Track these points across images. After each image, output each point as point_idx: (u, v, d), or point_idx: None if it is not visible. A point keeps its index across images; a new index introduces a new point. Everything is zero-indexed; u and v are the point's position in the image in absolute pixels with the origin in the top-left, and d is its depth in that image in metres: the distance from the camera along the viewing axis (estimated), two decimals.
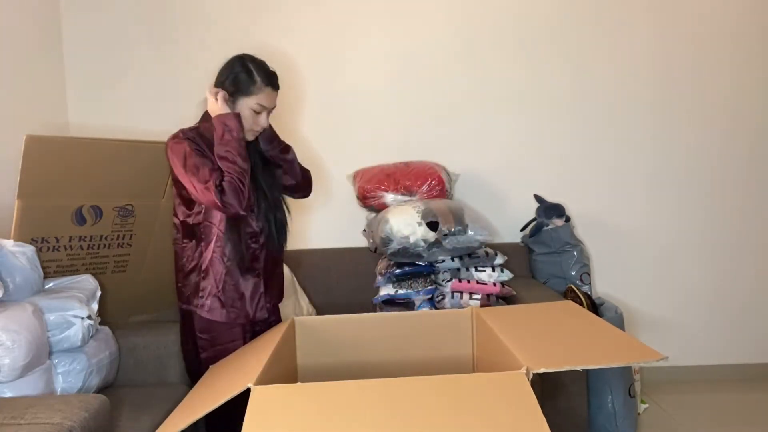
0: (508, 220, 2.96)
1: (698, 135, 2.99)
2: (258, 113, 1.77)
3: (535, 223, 2.83)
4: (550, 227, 2.77)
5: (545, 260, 2.79)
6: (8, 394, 1.55)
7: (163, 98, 2.90)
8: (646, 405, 2.70)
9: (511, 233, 2.96)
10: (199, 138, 1.75)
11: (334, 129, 2.93)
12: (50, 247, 1.85)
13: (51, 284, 1.85)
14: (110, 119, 2.88)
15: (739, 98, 2.98)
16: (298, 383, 1.10)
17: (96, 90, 2.88)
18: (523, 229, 2.94)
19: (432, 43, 2.92)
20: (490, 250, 2.57)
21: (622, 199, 3.00)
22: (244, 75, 1.75)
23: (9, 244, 1.72)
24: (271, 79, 1.78)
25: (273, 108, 1.81)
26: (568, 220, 2.81)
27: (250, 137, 1.81)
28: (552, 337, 1.38)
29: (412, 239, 2.36)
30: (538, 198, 2.88)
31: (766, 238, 3.02)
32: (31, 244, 1.78)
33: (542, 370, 1.11)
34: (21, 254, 1.73)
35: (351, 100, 2.92)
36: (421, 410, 1.01)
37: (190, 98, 2.89)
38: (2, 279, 1.67)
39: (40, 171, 1.73)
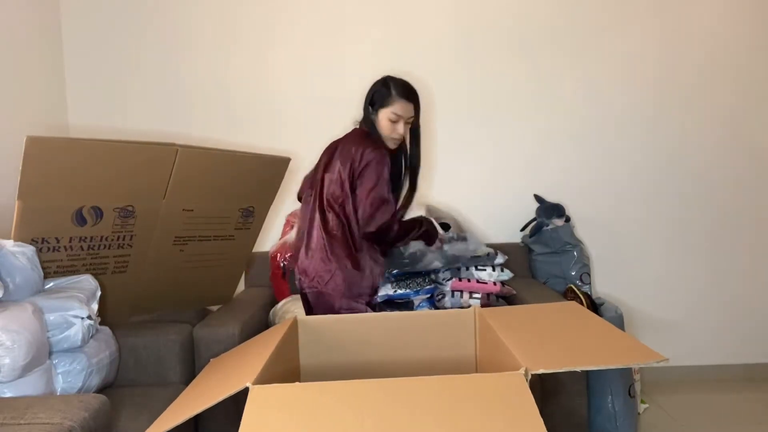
0: (508, 220, 2.96)
1: (700, 136, 2.99)
2: (394, 122, 2.00)
3: (535, 223, 2.83)
4: (550, 227, 2.77)
5: (545, 260, 2.79)
6: (8, 394, 1.55)
7: (163, 99, 2.90)
8: (646, 405, 2.70)
9: (511, 233, 2.96)
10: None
11: (333, 130, 2.92)
12: (50, 247, 1.85)
13: (51, 284, 1.85)
14: (110, 119, 2.88)
15: (741, 101, 2.98)
16: (296, 383, 1.10)
17: (96, 90, 2.89)
18: (523, 229, 2.94)
19: (432, 44, 2.93)
20: (490, 250, 2.57)
21: (623, 199, 3.00)
22: (383, 90, 2.02)
23: (9, 244, 1.72)
24: (403, 92, 2.00)
25: (410, 119, 2.03)
26: (568, 220, 2.81)
27: (391, 145, 2.04)
28: (553, 338, 1.38)
29: None
30: (538, 198, 2.88)
31: (765, 238, 3.02)
32: (31, 244, 1.78)
33: (541, 371, 1.10)
34: (21, 254, 1.72)
35: (350, 101, 2.91)
36: (418, 411, 1.01)
37: (190, 99, 2.92)
38: (2, 279, 1.67)
39: (41, 172, 1.73)
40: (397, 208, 2.09)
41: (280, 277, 2.66)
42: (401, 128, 2.01)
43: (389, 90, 2.01)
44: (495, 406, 1.02)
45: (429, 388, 1.08)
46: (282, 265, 2.66)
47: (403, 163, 2.12)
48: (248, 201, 2.28)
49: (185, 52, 2.90)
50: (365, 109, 2.08)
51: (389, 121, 2.00)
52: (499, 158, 2.97)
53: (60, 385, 1.71)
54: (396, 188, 2.08)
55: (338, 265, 1.96)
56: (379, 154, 1.95)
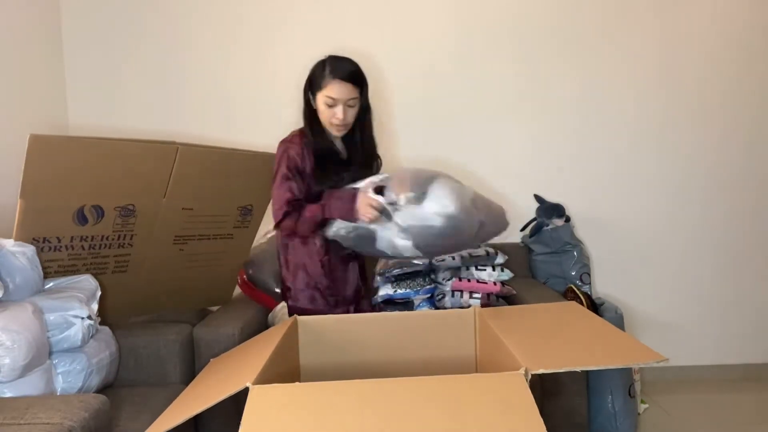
0: (508, 220, 2.95)
1: (700, 136, 2.99)
2: (331, 107, 1.80)
3: (535, 223, 2.83)
4: (550, 227, 2.77)
5: (545, 260, 2.79)
6: (8, 394, 1.55)
7: (163, 98, 2.90)
8: (646, 405, 2.70)
9: (511, 233, 2.95)
10: (305, 146, 1.85)
11: None
12: (51, 247, 1.85)
13: (51, 284, 1.85)
14: (110, 119, 2.88)
15: (742, 101, 2.98)
16: (296, 383, 1.10)
17: (96, 90, 2.89)
18: (523, 229, 2.94)
19: (432, 44, 2.92)
20: (490, 249, 2.58)
21: (623, 199, 3.00)
22: (318, 71, 1.82)
23: (9, 243, 1.72)
24: (339, 72, 1.79)
25: (350, 101, 1.81)
26: (568, 220, 2.81)
27: (335, 132, 1.86)
28: (553, 338, 1.38)
29: None
30: (538, 198, 2.88)
31: (765, 238, 3.02)
32: (32, 243, 1.78)
33: (541, 371, 1.11)
34: (21, 254, 1.72)
35: None
36: (418, 411, 1.01)
37: (190, 98, 2.92)
38: (2, 279, 1.67)
39: (43, 170, 1.73)
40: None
41: (250, 289, 2.54)
42: (340, 113, 1.79)
43: (323, 71, 1.80)
44: (495, 406, 1.02)
45: (429, 388, 1.08)
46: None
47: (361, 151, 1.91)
48: (247, 199, 2.28)
49: (185, 51, 2.90)
50: (304, 94, 1.88)
51: (326, 106, 1.80)
52: (499, 158, 2.97)
53: (60, 385, 1.71)
54: (324, 177, 1.84)
55: (280, 269, 1.98)
56: (282, 147, 1.87)
